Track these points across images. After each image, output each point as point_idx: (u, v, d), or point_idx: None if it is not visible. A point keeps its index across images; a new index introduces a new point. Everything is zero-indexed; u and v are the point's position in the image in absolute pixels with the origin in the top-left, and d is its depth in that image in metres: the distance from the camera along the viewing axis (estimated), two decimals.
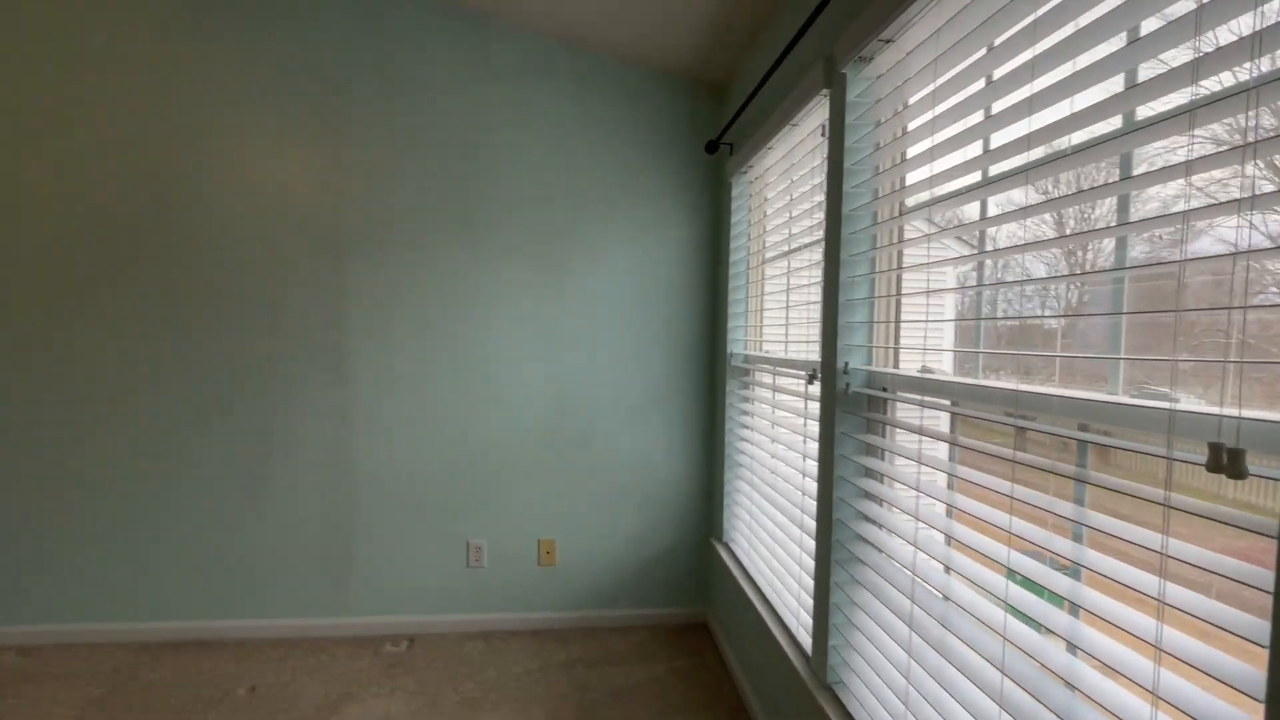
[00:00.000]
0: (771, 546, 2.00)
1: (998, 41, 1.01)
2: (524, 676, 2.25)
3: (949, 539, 1.13)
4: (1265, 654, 0.59)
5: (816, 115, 1.68)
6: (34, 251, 2.37)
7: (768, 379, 2.10)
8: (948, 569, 1.16)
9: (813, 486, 1.64)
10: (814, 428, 1.62)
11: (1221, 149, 0.66)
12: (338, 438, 2.50)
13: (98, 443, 2.42)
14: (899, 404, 1.31)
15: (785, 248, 1.95)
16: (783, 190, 1.98)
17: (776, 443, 2.00)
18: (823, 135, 1.61)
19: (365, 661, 2.34)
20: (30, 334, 2.38)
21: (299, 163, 2.44)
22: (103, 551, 2.43)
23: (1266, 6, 0.62)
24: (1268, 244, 0.63)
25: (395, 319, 2.50)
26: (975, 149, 1.06)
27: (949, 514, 1.18)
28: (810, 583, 1.62)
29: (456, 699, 2.11)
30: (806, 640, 1.64)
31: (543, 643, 2.49)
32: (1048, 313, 1.12)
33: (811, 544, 1.61)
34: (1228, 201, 0.64)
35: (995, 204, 1.12)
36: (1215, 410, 0.64)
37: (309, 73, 2.42)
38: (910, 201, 1.31)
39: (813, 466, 1.64)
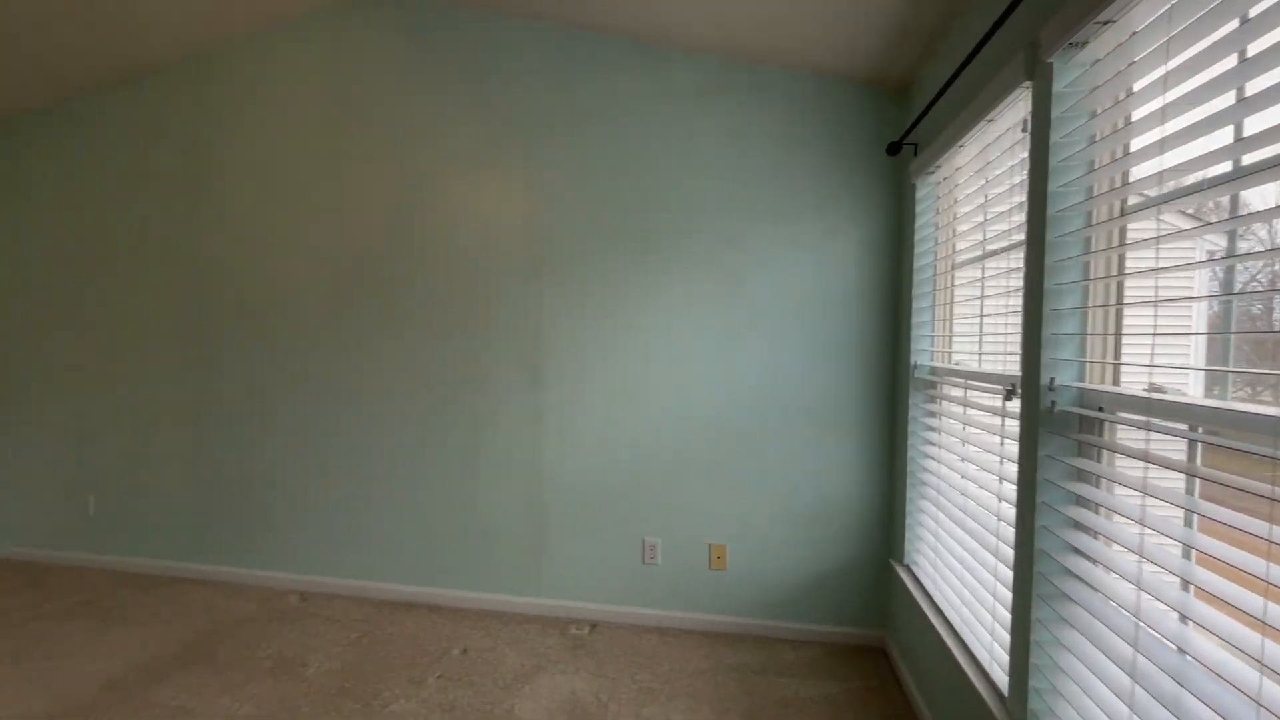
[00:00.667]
0: (960, 573, 1.86)
1: (1253, 12, 0.87)
2: (696, 675, 2.33)
3: (1186, 584, 0.99)
4: None
5: (1016, 109, 1.55)
6: (308, 279, 2.99)
7: (957, 393, 1.96)
8: (1184, 618, 1.01)
9: (1010, 512, 1.51)
10: (1012, 448, 1.49)
11: None
12: (533, 436, 2.80)
13: (356, 434, 2.98)
14: (1119, 426, 1.17)
15: (979, 252, 1.81)
16: (976, 191, 1.84)
17: (967, 462, 1.86)
18: (1024, 131, 1.49)
19: (553, 640, 2.59)
20: (307, 345, 3.00)
21: (503, 199, 2.79)
22: (360, 522, 2.98)
23: None
24: None
25: (580, 331, 2.74)
26: (1225, 136, 0.93)
27: (1186, 555, 1.03)
28: (1007, 616, 1.48)
29: (634, 687, 2.25)
30: (1001, 677, 1.51)
31: (714, 644, 2.56)
32: None
33: (1009, 574, 1.48)
34: None
35: (1251, 198, 0.96)
36: None
37: (512, 120, 2.76)
38: (1134, 200, 1.17)
39: (1010, 490, 1.51)
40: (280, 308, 3.04)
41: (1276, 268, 1.08)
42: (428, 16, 2.82)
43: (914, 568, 2.31)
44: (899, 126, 2.45)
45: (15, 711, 2.06)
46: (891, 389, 2.53)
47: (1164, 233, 1.06)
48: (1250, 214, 0.92)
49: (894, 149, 2.27)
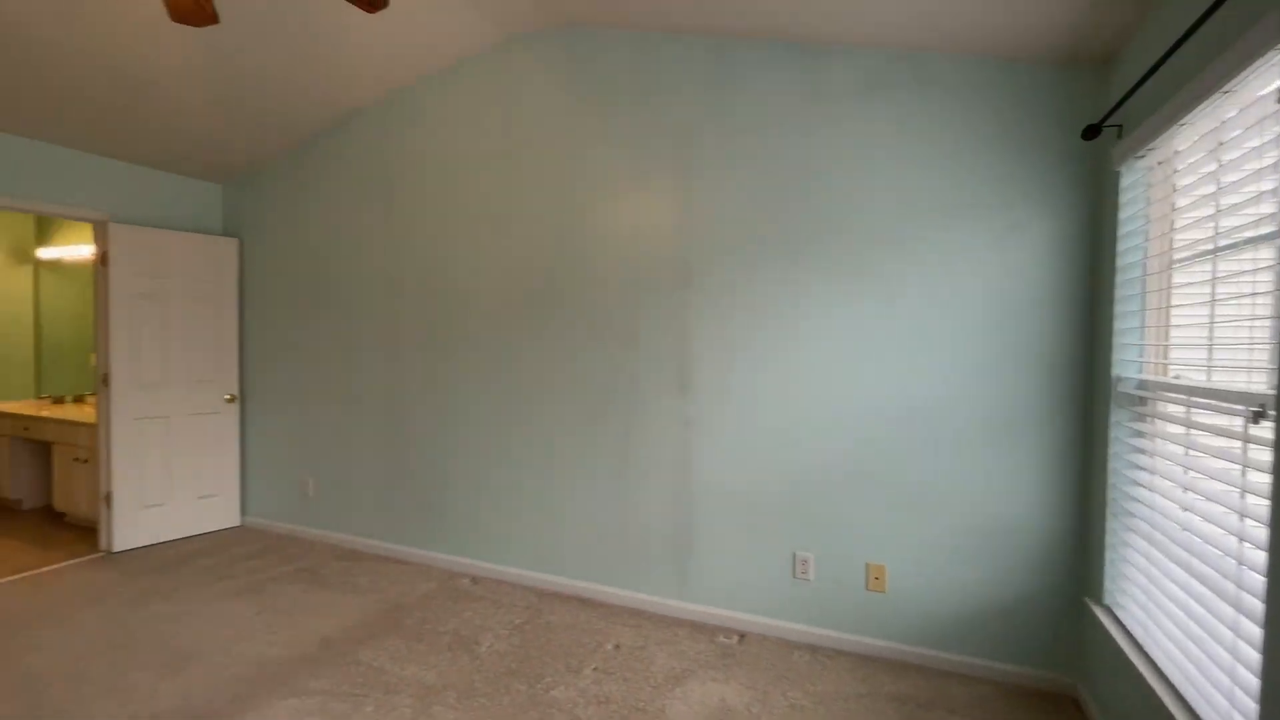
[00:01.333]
0: (1184, 624, 1.59)
1: None
2: (851, 699, 2.23)
3: None
4: None
5: (1264, 78, 1.30)
6: (484, 292, 3.29)
7: (1178, 411, 1.68)
8: None
9: (1258, 557, 1.26)
10: (1259, 481, 1.25)
11: None
12: (681, 441, 2.85)
13: (521, 433, 3.22)
14: None
15: (1209, 247, 1.54)
16: (1205, 176, 1.57)
17: (1191, 493, 1.59)
18: (1278, 102, 1.24)
19: (702, 645, 2.61)
20: (482, 351, 3.31)
21: (656, 210, 2.87)
22: (523, 515, 3.23)
23: None
24: None
25: (729, 339, 2.74)
26: None
27: None
28: (1254, 682, 1.25)
29: (785, 703, 2.20)
30: None
31: (871, 669, 2.42)
32: None
33: (1256, 632, 1.24)
34: None
35: None
36: None
37: (665, 132, 2.84)
38: None
39: (1257, 531, 1.27)
40: (459, 318, 3.38)
41: None
42: (585, 44, 2.99)
43: (1117, 610, 2.01)
44: (1097, 108, 2.16)
45: (258, 651, 2.49)
46: (1086, 404, 2.23)
47: None
48: None
49: (1091, 132, 2.00)
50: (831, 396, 2.57)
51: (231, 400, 4.08)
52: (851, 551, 2.57)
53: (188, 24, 1.97)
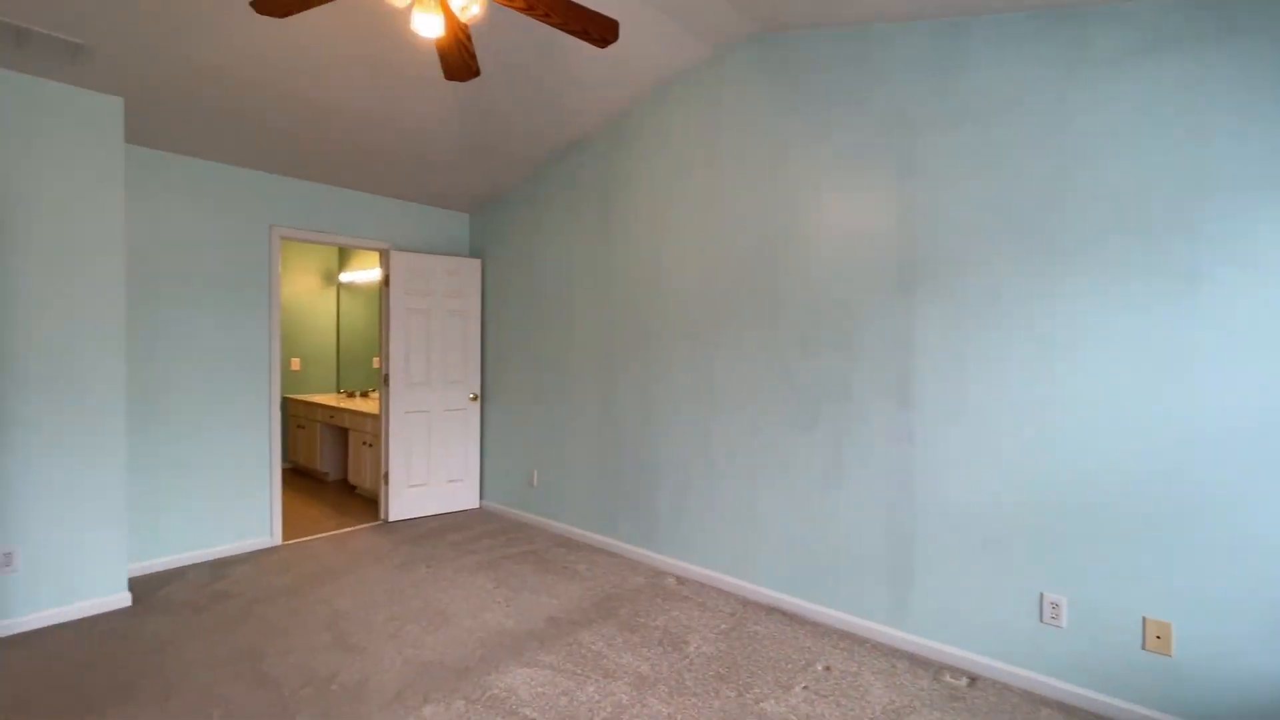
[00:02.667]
0: None
1: None
2: None
3: None
4: None
5: None
6: (691, 300, 3.39)
7: None
8: None
9: None
10: None
11: None
12: (901, 457, 2.64)
13: (725, 438, 3.26)
14: None
15: None
16: None
17: None
18: None
19: (924, 682, 2.38)
20: (690, 358, 3.41)
21: (873, 209, 2.71)
22: (728, 520, 3.25)
23: None
24: None
25: (960, 346, 2.47)
26: None
27: None
28: None
29: None
30: None
31: None
32: None
33: None
34: None
35: None
36: None
37: (884, 126, 2.67)
38: None
39: None
40: (666, 324, 3.52)
41: None
42: (791, 47, 2.94)
43: None
44: None
45: (497, 620, 2.84)
46: None
47: None
48: None
49: None
50: (1103, 415, 2.19)
51: (474, 399, 4.72)
52: (1122, 601, 2.15)
53: (457, 80, 2.33)
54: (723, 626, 2.83)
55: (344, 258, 6.41)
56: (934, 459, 2.55)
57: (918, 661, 2.53)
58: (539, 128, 3.74)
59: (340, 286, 6.45)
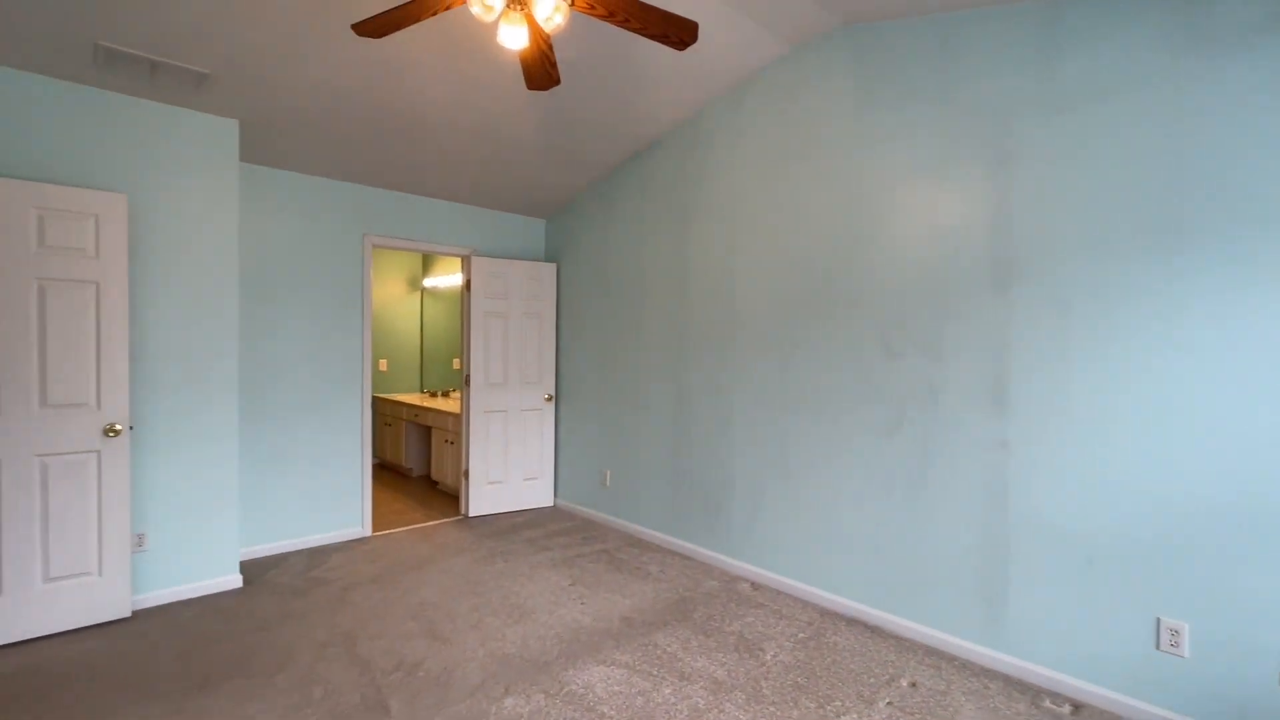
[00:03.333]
0: None
1: None
2: None
3: None
4: None
5: None
6: (766, 300, 3.33)
7: None
8: None
9: None
10: None
11: None
12: (995, 466, 2.49)
13: (802, 443, 3.18)
14: None
15: None
16: None
17: None
18: None
19: (1021, 706, 2.23)
20: (765, 359, 3.35)
21: (962, 204, 2.58)
22: (806, 526, 3.18)
23: None
24: None
25: (1063, 349, 2.31)
26: None
27: None
28: None
29: None
30: None
31: None
32: None
33: None
34: None
35: None
36: None
37: (975, 116, 2.53)
38: None
39: None
40: (741, 327, 3.48)
41: None
42: (873, 41, 2.84)
43: None
44: None
45: (573, 617, 2.88)
46: None
47: None
48: None
49: None
50: (1233, 424, 1.99)
51: (549, 400, 4.83)
52: (1257, 631, 1.94)
53: (539, 89, 2.39)
54: (800, 635, 2.76)
55: (427, 264, 6.71)
56: (1032, 469, 2.39)
57: (1013, 684, 2.38)
58: (613, 132, 3.79)
59: (424, 291, 6.76)
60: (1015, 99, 2.43)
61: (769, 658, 2.56)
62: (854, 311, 2.95)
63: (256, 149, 3.48)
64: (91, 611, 2.75)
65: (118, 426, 2.78)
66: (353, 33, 2.62)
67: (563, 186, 4.48)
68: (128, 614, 2.84)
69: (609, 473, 4.40)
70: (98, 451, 2.75)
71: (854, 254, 2.95)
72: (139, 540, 2.96)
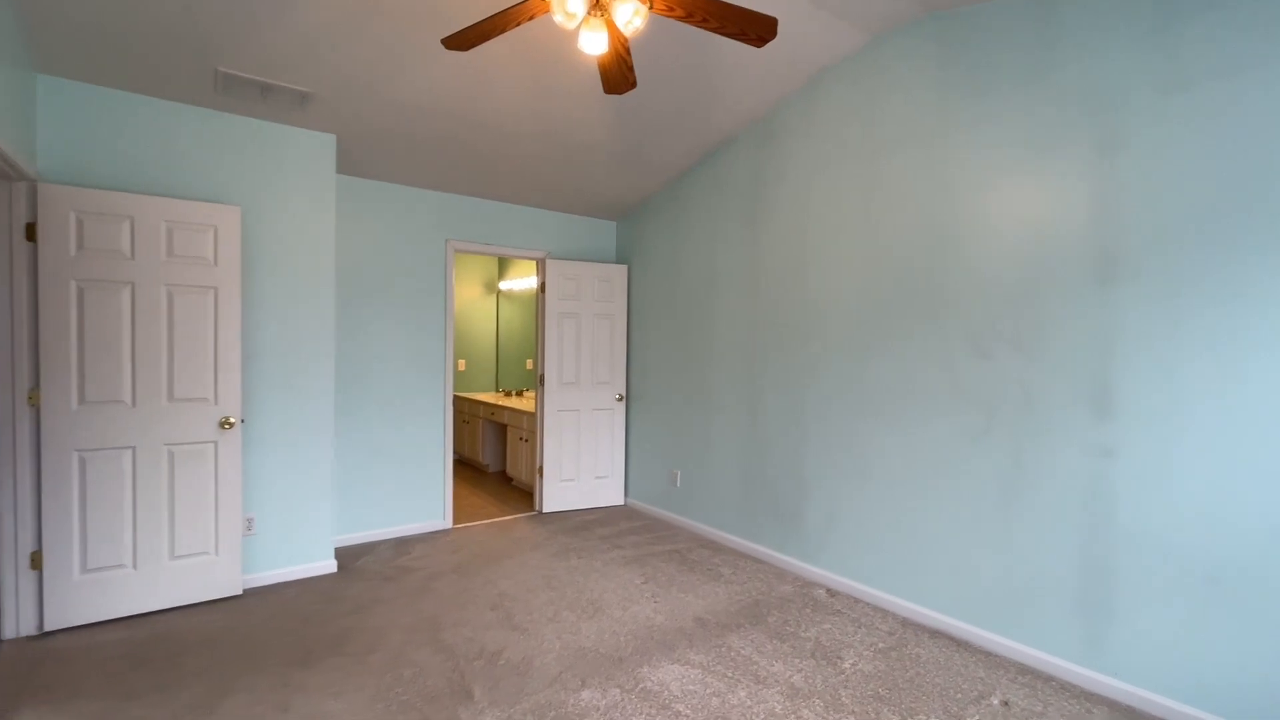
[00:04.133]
0: None
1: None
2: None
3: None
4: None
5: None
6: (844, 298, 3.25)
7: None
8: None
9: None
10: None
11: None
12: (1098, 476, 2.32)
13: (881, 447, 3.08)
14: None
15: None
16: None
17: None
18: None
19: None
20: (842, 359, 3.26)
21: (1060, 190, 2.42)
22: (886, 533, 3.07)
23: None
24: None
25: (1177, 351, 2.13)
26: None
27: None
28: None
29: None
30: None
31: None
32: None
33: None
34: None
35: None
36: None
37: (1075, 99, 2.37)
38: None
39: None
40: (815, 327, 3.41)
41: None
42: (959, 27, 2.71)
43: None
44: None
45: (646, 615, 2.91)
46: None
47: None
48: None
49: None
50: None
51: (620, 400, 4.89)
52: None
53: (616, 93, 2.43)
54: (881, 645, 2.67)
55: (503, 268, 6.94)
56: (1141, 478, 2.22)
57: (1119, 710, 2.21)
58: (684, 133, 3.80)
59: (499, 294, 7.00)
60: (1123, 79, 2.26)
61: (848, 666, 2.49)
62: (940, 310, 2.83)
63: (350, 161, 3.71)
64: (209, 588, 3.02)
65: (231, 419, 3.03)
66: (440, 48, 2.75)
67: (634, 189, 4.53)
68: (239, 592, 3.10)
69: (679, 473, 4.41)
70: (215, 442, 3.01)
71: (940, 250, 2.83)
72: (248, 524, 3.22)
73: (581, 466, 4.78)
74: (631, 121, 3.58)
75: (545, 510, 4.69)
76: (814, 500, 3.42)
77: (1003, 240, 2.61)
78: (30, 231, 2.63)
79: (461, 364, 6.81)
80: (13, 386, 2.61)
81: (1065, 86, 2.41)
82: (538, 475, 4.73)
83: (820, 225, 3.39)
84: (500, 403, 5.74)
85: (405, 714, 2.14)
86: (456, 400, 6.59)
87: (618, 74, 2.31)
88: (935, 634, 2.77)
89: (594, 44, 1.97)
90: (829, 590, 3.26)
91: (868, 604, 3.09)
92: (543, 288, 4.67)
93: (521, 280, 6.49)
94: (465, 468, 6.42)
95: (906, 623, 2.88)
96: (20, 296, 2.62)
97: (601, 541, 4.04)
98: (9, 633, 2.63)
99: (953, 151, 2.78)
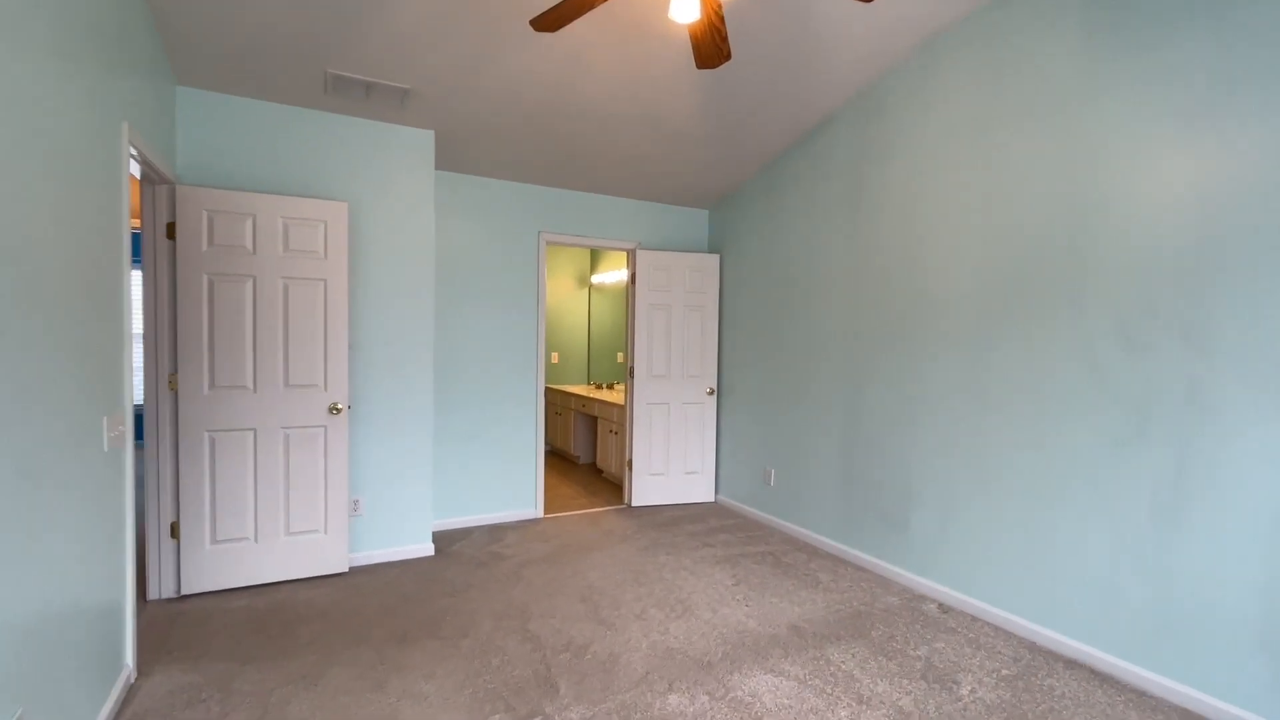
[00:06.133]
0: None
1: None
2: None
3: None
4: None
5: None
6: (959, 287, 2.92)
7: None
8: None
9: None
10: None
11: None
12: None
13: (1004, 450, 2.75)
14: None
15: None
16: None
17: None
18: None
19: None
20: (959, 355, 2.95)
21: (1241, 150, 2.02)
22: (1010, 547, 2.74)
23: None
24: None
25: None
26: None
27: None
28: None
29: None
30: None
31: None
32: None
33: None
34: None
35: None
36: None
37: (1261, 41, 1.96)
38: None
39: None
40: (928, 319, 3.10)
41: None
42: None
43: None
44: None
45: (737, 619, 2.76)
46: None
47: None
48: None
49: None
50: None
51: (711, 393, 4.75)
52: None
53: (709, 66, 2.29)
54: (1005, 671, 2.37)
55: (595, 261, 6.98)
56: None
57: None
58: (781, 110, 3.59)
59: (591, 288, 7.04)
60: None
61: (965, 693, 2.23)
62: (1080, 295, 2.47)
63: (447, 157, 3.81)
64: (319, 564, 3.20)
65: (339, 405, 3.19)
66: (530, 33, 2.73)
67: (727, 174, 4.36)
68: (345, 569, 3.26)
69: (772, 471, 4.20)
70: (324, 426, 3.19)
71: (1081, 227, 2.47)
72: (355, 505, 3.39)
73: (671, 461, 4.69)
74: (725, 101, 3.42)
75: (634, 504, 4.64)
76: (924, 506, 3.12)
77: (1164, 213, 2.22)
78: (170, 230, 2.87)
79: (555, 357, 6.92)
80: (156, 372, 2.88)
81: (1248, 28, 2.00)
82: (627, 468, 4.69)
83: (935, 206, 3.08)
84: (591, 395, 5.76)
85: (491, 703, 2.14)
86: (549, 392, 6.71)
87: (710, 45, 2.17)
88: (1072, 664, 2.43)
89: (685, 11, 1.85)
90: (940, 605, 2.96)
91: (987, 623, 2.77)
92: (633, 279, 4.61)
93: (613, 273, 6.48)
94: (557, 459, 6.52)
95: (1034, 648, 2.55)
96: (162, 289, 2.87)
97: (691, 538, 3.92)
98: (153, 594, 2.91)
99: (1101, 113, 2.41)
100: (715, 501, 4.80)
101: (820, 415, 3.79)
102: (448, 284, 4.03)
